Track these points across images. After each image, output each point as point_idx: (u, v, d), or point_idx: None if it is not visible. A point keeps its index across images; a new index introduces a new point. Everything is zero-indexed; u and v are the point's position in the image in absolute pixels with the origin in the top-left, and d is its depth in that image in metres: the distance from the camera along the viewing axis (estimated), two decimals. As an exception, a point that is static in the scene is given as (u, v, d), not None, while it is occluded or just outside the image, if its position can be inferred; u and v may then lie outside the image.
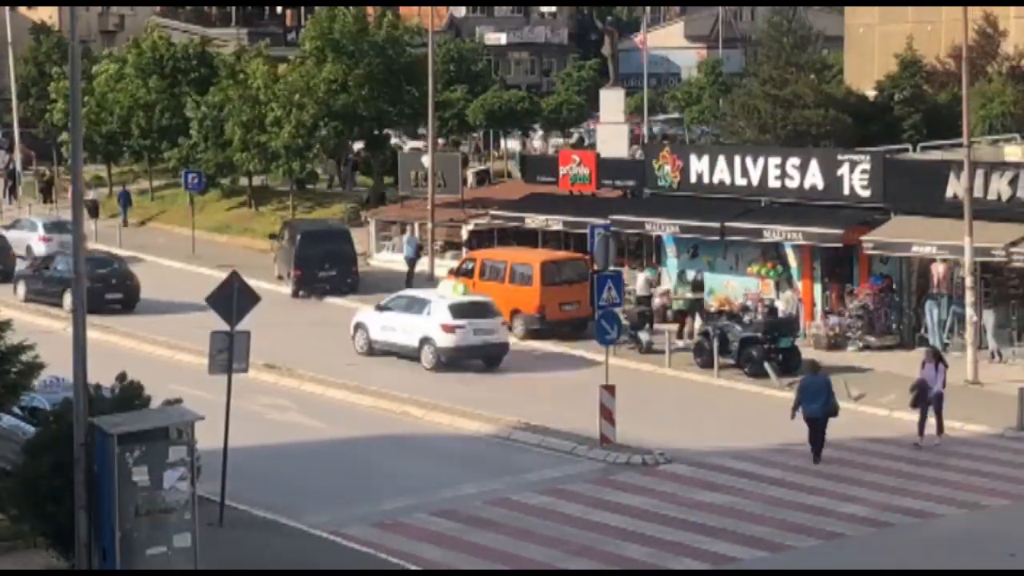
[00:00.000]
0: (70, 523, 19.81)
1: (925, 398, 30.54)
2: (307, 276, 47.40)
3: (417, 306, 38.45)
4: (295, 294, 47.61)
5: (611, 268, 33.46)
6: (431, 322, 37.63)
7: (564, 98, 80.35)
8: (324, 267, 47.28)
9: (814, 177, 40.60)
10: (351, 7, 61.36)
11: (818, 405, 29.12)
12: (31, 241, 53.78)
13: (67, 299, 44.66)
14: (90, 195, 61.65)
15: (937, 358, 31.18)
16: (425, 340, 37.58)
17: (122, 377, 22.06)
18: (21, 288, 47.15)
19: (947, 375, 31.12)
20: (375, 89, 60.49)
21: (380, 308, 39.62)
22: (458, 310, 37.58)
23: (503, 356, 38.30)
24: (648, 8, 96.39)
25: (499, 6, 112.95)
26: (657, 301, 42.88)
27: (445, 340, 37.27)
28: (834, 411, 29.42)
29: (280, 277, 49.10)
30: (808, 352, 38.14)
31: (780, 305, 40.06)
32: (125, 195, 64.75)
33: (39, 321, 41.69)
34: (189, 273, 51.90)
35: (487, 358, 38.10)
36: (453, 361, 37.28)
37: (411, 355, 37.89)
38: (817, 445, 29.20)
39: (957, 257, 36.57)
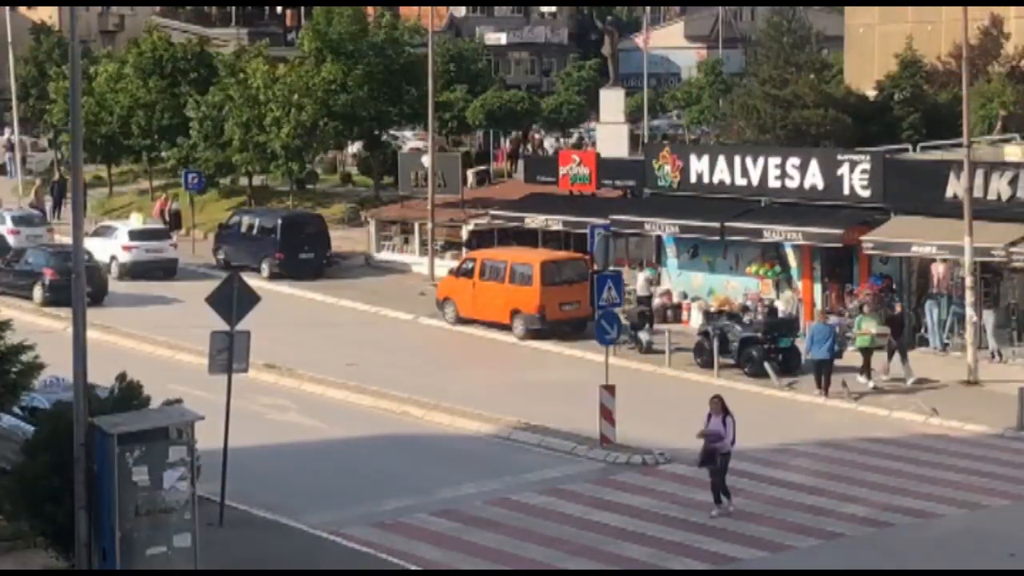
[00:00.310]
0: (69, 523, 19.81)
1: (714, 456, 25.87)
2: (289, 259, 49.92)
3: (110, 232, 50.94)
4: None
5: (611, 268, 33.45)
6: (116, 244, 50.23)
7: (564, 98, 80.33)
8: (304, 250, 50.39)
9: (814, 177, 40.60)
10: (348, 7, 61.31)
11: (825, 348, 34.13)
12: None
13: (37, 292, 45.30)
14: (174, 206, 60.43)
15: (724, 409, 26.08)
16: (113, 257, 49.86)
17: (122, 377, 22.06)
18: None
19: (735, 430, 26.16)
20: (374, 89, 60.46)
21: (91, 235, 48.54)
22: (135, 234, 50.46)
23: (174, 269, 50.40)
24: (648, 8, 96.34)
25: (499, 6, 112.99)
26: (657, 301, 42.90)
27: (124, 256, 50.00)
28: (839, 354, 34.82)
29: (228, 264, 49.11)
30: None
31: (780, 305, 40.08)
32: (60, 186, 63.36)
33: (39, 321, 41.69)
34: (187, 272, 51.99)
35: (161, 271, 50.01)
36: (132, 273, 49.27)
37: (106, 268, 48.97)
38: (823, 383, 34.19)
39: (957, 257, 36.57)
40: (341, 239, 54.66)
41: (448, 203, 51.93)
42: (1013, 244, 36.21)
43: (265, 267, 49.95)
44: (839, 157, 40.65)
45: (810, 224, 39.76)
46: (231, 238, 51.67)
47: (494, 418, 32.19)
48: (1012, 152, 42.41)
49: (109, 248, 50.23)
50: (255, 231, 51.34)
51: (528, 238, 47.41)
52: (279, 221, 51.14)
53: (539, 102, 76.09)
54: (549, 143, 77.18)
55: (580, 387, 33.42)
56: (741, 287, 42.11)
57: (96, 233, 50.31)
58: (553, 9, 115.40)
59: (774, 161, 41.67)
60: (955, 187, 37.08)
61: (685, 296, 43.52)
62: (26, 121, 76.41)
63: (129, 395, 21.68)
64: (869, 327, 35.73)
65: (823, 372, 34.35)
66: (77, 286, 20.15)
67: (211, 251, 52.72)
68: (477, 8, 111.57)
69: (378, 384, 35.43)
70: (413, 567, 22.87)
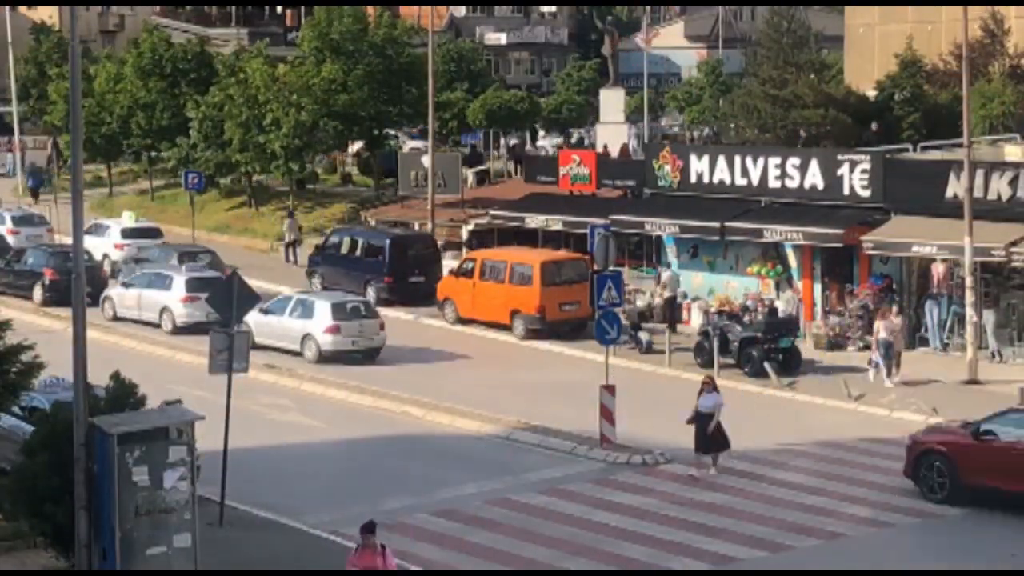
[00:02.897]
0: (69, 523, 19.80)
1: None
2: (399, 284, 46.36)
3: (101, 231, 52.56)
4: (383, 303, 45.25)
5: (611, 268, 33.46)
6: (108, 242, 51.92)
7: (564, 98, 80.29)
8: (415, 273, 46.57)
9: (814, 177, 40.60)
10: (348, 7, 61.30)
11: None
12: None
13: (37, 292, 45.41)
14: (289, 236, 53.96)
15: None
16: (105, 255, 50.81)
17: (116, 376, 22.02)
18: None
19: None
20: (374, 89, 60.46)
21: (84, 233, 50.90)
22: (127, 233, 52.56)
23: None
24: (648, 8, 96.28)
25: (499, 6, 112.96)
26: (657, 301, 42.87)
27: (117, 254, 51.18)
28: None
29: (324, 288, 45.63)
30: (808, 352, 38.20)
31: (780, 305, 40.07)
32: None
33: (39, 321, 41.69)
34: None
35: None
36: (122, 271, 48.30)
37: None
38: None
39: (957, 257, 36.58)
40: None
41: (448, 203, 51.93)
42: (1013, 244, 36.21)
43: (371, 292, 45.88)
44: (839, 157, 40.65)
45: (810, 224, 39.76)
46: (329, 260, 47.59)
47: (494, 418, 32.19)
48: (1012, 152, 42.40)
49: (103, 245, 50.85)
50: (359, 252, 47.53)
51: (528, 238, 47.40)
52: (387, 241, 47.16)
53: (539, 102, 76.07)
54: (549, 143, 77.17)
55: (580, 387, 33.42)
56: (741, 287, 42.11)
57: (89, 231, 50.01)
58: (553, 9, 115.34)
59: (774, 161, 41.67)
60: (955, 187, 37.08)
61: (685, 296, 43.49)
62: (26, 121, 76.41)
63: (124, 394, 21.64)
64: None
65: None
66: (77, 286, 20.14)
67: (306, 274, 48.26)
68: (477, 8, 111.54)
69: (378, 384, 35.44)
70: (413, 567, 22.86)
